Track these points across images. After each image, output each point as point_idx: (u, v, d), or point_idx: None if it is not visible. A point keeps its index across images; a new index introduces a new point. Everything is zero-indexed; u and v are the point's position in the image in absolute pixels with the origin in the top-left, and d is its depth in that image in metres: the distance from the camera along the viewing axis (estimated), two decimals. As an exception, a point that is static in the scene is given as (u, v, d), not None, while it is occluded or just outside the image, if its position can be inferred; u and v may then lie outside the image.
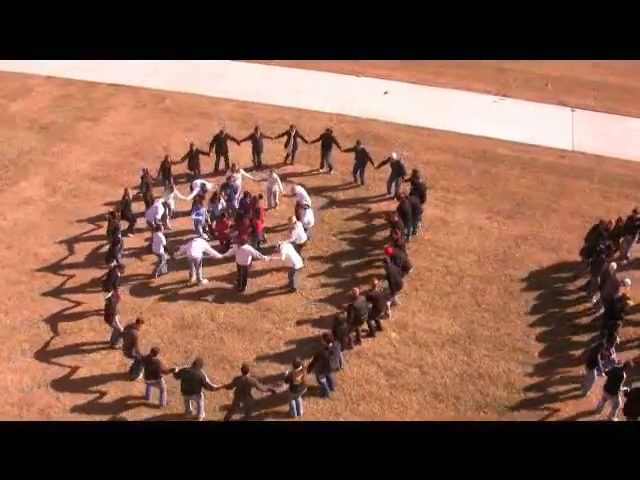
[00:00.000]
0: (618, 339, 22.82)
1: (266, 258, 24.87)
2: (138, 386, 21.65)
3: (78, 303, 24.31)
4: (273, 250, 25.30)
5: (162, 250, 25.08)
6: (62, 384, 21.78)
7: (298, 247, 25.29)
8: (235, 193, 27.31)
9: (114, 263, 24.25)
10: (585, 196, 29.74)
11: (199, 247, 24.65)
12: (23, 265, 25.71)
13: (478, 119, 34.36)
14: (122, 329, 22.16)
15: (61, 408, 21.04)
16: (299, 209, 26.39)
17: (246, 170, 29.26)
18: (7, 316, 23.82)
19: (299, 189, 27.14)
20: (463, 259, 26.45)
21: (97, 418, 20.72)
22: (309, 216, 26.37)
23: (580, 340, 23.46)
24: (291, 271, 24.77)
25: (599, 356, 21.06)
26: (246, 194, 26.69)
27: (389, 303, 24.08)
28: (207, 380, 20.28)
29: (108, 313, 22.41)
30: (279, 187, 28.21)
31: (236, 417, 20.73)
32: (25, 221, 27.68)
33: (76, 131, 32.99)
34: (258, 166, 30.47)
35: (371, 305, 22.92)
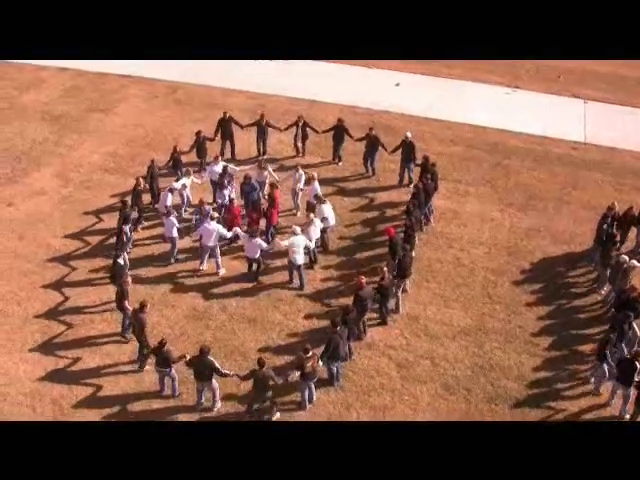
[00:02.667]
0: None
1: (275, 244, 25.02)
2: (150, 377, 21.67)
3: (90, 294, 24.36)
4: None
5: (175, 233, 25.20)
6: (74, 375, 21.85)
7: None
8: (233, 180, 27.24)
9: (120, 254, 23.87)
10: (598, 188, 29.66)
11: (213, 233, 24.63)
12: (35, 256, 25.79)
13: (490, 111, 34.29)
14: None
15: (73, 398, 21.09)
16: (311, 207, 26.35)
17: (250, 159, 29.55)
18: (20, 307, 23.91)
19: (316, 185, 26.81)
20: (474, 251, 26.42)
21: (108, 409, 20.80)
22: (327, 211, 25.84)
23: (591, 333, 23.41)
24: (293, 267, 24.64)
25: (608, 351, 20.99)
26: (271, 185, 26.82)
27: (400, 290, 24.08)
28: (217, 365, 20.26)
29: (119, 298, 22.35)
30: (302, 184, 27.58)
31: (260, 417, 20.71)
32: (37, 212, 27.76)
33: (88, 122, 33.05)
34: (263, 154, 30.49)
35: (379, 294, 22.96)
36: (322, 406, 21.08)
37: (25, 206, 28.07)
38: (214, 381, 20.52)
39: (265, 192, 27.37)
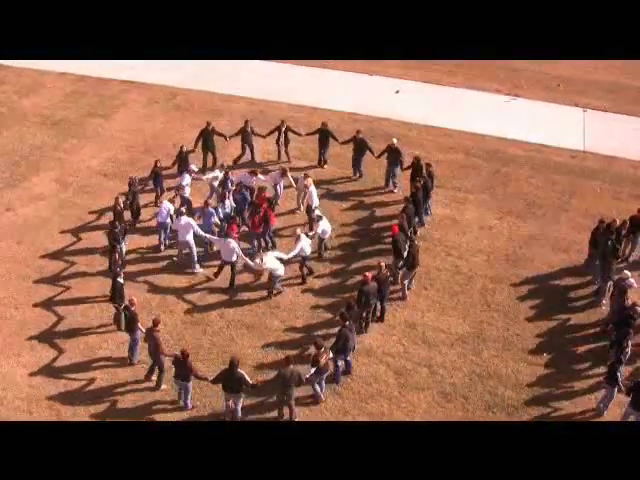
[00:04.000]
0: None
1: (249, 262, 24.65)
2: (149, 383, 21.73)
3: (88, 300, 24.34)
4: (256, 257, 24.88)
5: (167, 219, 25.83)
6: (71, 380, 21.83)
7: (303, 259, 25.13)
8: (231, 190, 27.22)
9: (119, 273, 23.40)
10: (596, 197, 29.68)
11: (187, 227, 25.00)
12: (34, 260, 25.77)
13: (490, 119, 34.32)
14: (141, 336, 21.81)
15: (70, 403, 21.07)
16: (312, 221, 26.29)
17: (237, 166, 29.75)
18: (17, 311, 23.89)
19: (312, 189, 26.83)
20: (473, 259, 26.42)
21: (106, 413, 20.82)
22: (324, 226, 25.70)
23: (589, 341, 23.43)
24: (272, 277, 24.54)
25: (618, 373, 20.62)
26: (260, 189, 26.74)
27: (406, 282, 24.50)
28: (247, 378, 20.14)
29: (129, 322, 21.88)
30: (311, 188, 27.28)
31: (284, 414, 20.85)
32: (36, 217, 27.75)
33: (87, 127, 33.06)
34: (251, 161, 30.33)
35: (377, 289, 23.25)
36: (319, 413, 21.06)
37: (24, 211, 28.05)
38: (241, 394, 20.34)
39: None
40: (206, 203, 26.30)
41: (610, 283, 24.21)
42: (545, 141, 32.93)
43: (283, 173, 27.81)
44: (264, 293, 24.73)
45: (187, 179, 27.22)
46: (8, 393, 21.30)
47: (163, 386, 21.54)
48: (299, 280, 25.23)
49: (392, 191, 29.30)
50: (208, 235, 25.39)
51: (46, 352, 22.62)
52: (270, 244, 26.14)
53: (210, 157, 29.95)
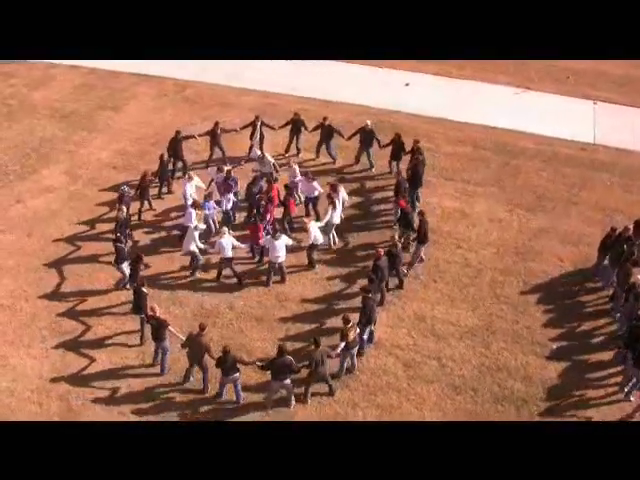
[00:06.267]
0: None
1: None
2: (159, 376, 21.87)
3: (98, 292, 24.45)
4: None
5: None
6: (81, 371, 21.99)
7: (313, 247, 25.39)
8: (236, 185, 27.09)
9: (143, 282, 22.84)
10: (606, 189, 29.56)
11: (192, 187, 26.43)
12: (43, 253, 25.86)
13: (500, 111, 34.14)
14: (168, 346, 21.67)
15: (80, 395, 21.23)
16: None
17: (200, 164, 29.82)
18: (27, 303, 23.99)
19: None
20: (482, 251, 26.38)
21: (115, 406, 21.00)
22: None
23: (599, 334, 23.46)
24: (310, 247, 25.23)
25: None
26: (269, 182, 26.66)
27: (418, 259, 25.11)
28: (294, 363, 20.42)
29: (156, 330, 21.53)
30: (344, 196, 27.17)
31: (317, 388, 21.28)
32: (46, 209, 27.81)
33: (97, 120, 33.03)
34: (209, 161, 29.91)
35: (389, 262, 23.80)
36: (328, 405, 21.15)
37: (34, 203, 28.10)
38: (289, 381, 20.64)
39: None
40: (206, 197, 26.25)
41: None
42: (555, 134, 32.75)
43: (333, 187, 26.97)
44: (273, 285, 24.83)
45: (191, 188, 26.76)
46: (18, 384, 21.45)
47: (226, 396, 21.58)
48: (304, 271, 25.50)
49: (370, 170, 29.77)
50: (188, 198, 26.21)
51: (56, 344, 22.76)
52: (288, 231, 26.24)
53: (180, 164, 29.22)
